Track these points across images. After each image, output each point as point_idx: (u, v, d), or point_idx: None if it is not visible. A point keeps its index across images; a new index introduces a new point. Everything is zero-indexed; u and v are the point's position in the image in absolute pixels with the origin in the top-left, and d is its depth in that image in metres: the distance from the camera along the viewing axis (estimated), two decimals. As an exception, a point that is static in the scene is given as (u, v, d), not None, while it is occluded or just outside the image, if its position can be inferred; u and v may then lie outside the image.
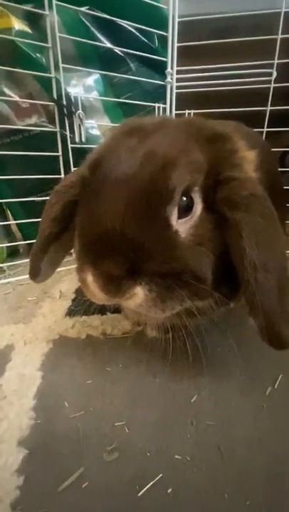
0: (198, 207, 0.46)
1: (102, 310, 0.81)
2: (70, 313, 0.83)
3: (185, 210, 0.44)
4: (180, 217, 0.44)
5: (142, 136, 0.48)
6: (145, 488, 0.43)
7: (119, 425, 0.52)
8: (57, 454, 0.47)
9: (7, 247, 1.18)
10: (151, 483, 0.43)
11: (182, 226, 0.44)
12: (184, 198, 0.44)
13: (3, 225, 1.18)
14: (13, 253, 1.24)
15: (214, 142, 0.51)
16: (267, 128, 1.15)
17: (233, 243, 0.45)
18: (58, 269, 0.69)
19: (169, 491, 0.42)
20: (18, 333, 0.76)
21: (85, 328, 0.77)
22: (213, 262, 0.45)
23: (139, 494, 0.42)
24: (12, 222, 1.22)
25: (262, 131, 1.14)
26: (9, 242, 1.18)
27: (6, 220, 1.20)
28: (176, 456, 0.47)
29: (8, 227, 1.23)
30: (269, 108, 1.13)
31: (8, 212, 1.21)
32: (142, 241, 0.40)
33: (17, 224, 1.23)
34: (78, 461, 0.46)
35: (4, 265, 1.11)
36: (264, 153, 0.72)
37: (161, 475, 0.44)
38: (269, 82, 1.11)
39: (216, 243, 0.46)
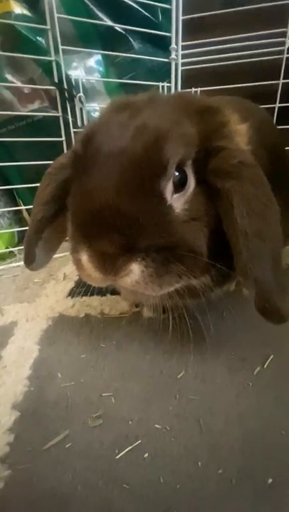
0: (191, 181, 0.45)
1: (102, 291, 0.83)
2: (72, 293, 0.87)
3: (179, 185, 0.43)
4: (174, 191, 0.43)
5: (132, 111, 0.47)
6: (123, 452, 0.45)
7: (107, 395, 0.55)
8: (45, 417, 0.51)
9: (18, 232, 1.24)
10: (130, 447, 0.46)
11: (176, 201, 0.43)
12: (177, 173, 0.43)
13: (15, 212, 1.23)
14: (24, 238, 1.29)
15: (204, 115, 0.49)
16: (279, 103, 1.08)
17: (224, 213, 0.44)
18: (64, 253, 0.71)
19: (146, 455, 0.45)
20: (22, 311, 0.81)
21: (84, 307, 0.80)
22: (207, 236, 0.45)
23: (117, 457, 0.45)
24: (22, 207, 1.27)
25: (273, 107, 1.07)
26: (20, 228, 1.23)
27: (17, 206, 1.25)
28: (156, 426, 0.49)
29: (19, 213, 1.28)
30: (281, 81, 1.06)
31: (19, 199, 1.26)
32: (137, 216, 0.39)
33: (27, 210, 1.28)
34: (64, 425, 0.50)
35: (15, 249, 1.17)
36: (262, 127, 0.68)
37: (139, 441, 0.47)
38: (281, 52, 1.03)
39: (210, 217, 0.45)
